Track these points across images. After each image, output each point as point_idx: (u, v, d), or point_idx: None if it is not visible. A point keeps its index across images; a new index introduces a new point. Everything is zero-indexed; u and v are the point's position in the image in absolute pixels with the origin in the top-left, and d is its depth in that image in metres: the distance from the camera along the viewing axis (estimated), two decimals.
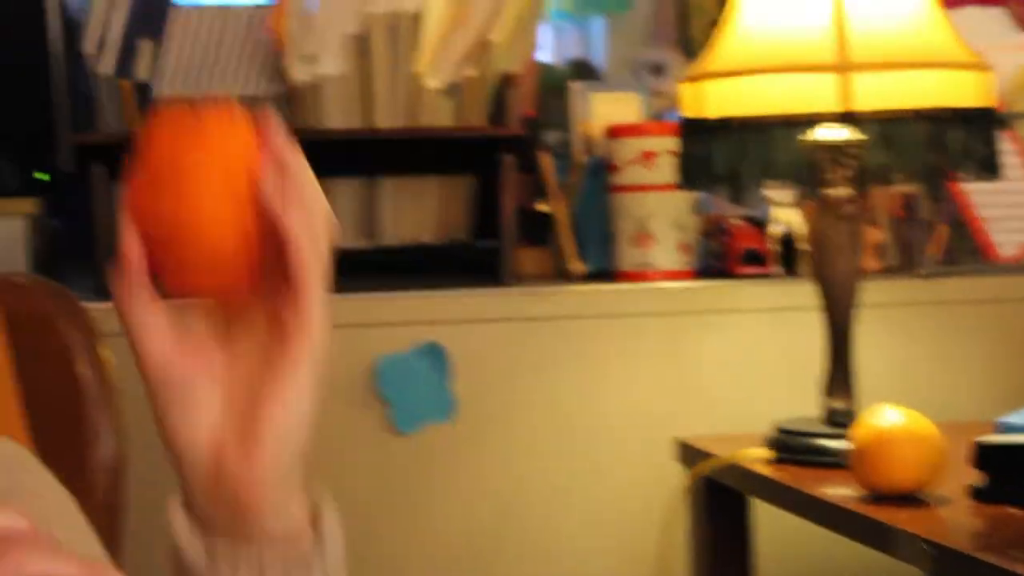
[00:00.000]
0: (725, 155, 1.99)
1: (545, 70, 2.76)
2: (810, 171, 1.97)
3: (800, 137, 1.96)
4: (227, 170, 0.81)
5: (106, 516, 1.31)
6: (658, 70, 2.79)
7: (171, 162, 0.80)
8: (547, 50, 2.98)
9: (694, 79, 2.04)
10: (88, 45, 2.38)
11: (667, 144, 2.38)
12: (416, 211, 2.52)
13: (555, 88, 2.69)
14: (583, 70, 2.86)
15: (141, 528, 1.41)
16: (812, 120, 1.95)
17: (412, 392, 2.32)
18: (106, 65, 2.36)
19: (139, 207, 0.81)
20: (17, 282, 1.48)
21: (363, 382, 2.32)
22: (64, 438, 1.31)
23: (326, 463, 2.31)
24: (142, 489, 1.48)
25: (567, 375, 2.38)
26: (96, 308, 1.49)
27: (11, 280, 1.48)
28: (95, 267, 2.36)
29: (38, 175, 2.57)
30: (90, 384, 1.40)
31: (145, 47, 2.41)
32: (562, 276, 2.54)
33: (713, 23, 2.23)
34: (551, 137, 2.65)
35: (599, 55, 2.99)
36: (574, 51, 3.03)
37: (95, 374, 1.40)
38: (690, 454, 2.18)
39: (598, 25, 3.01)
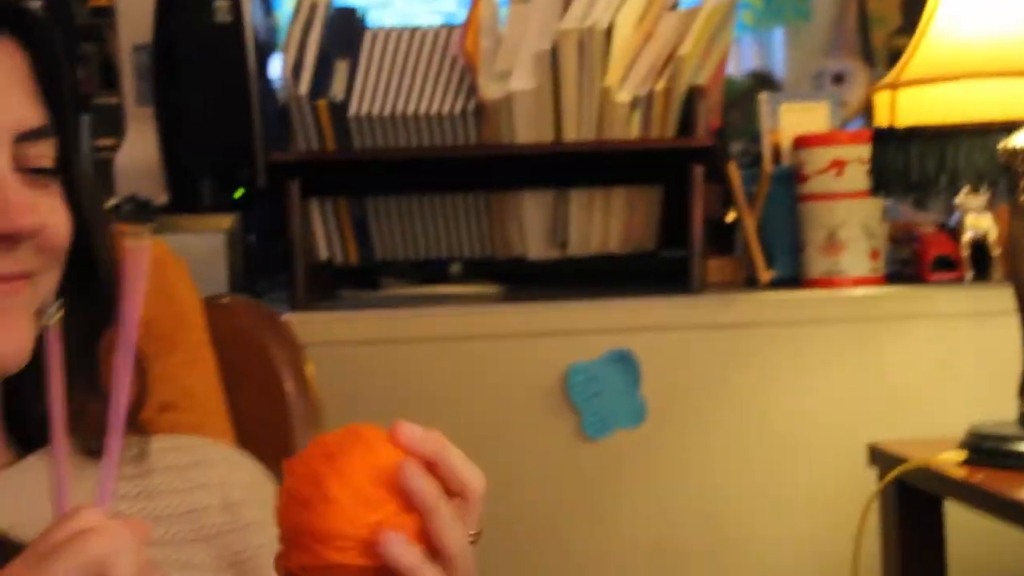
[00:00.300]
0: (919, 162, 2.00)
1: (727, 82, 2.77)
2: (1005, 176, 1.97)
3: (996, 143, 1.95)
4: (358, 490, 0.87)
5: None
6: (839, 79, 2.79)
7: (312, 481, 0.88)
8: (728, 62, 2.99)
9: (889, 87, 2.05)
10: (284, 67, 2.45)
11: (857, 152, 2.38)
12: (604, 222, 2.55)
13: (736, 99, 2.70)
14: (764, 81, 2.87)
15: None
16: (1007, 126, 1.94)
17: (602, 399, 2.35)
18: (302, 86, 2.43)
19: (285, 512, 0.89)
20: (223, 303, 1.54)
21: (554, 389, 2.35)
22: (271, 453, 1.35)
23: (518, 470, 2.35)
24: None
25: (756, 381, 2.39)
26: (293, 320, 1.54)
27: (218, 301, 1.54)
28: (289, 281, 2.43)
29: (235, 193, 2.65)
30: (295, 400, 1.45)
31: (340, 67, 2.48)
32: (750, 284, 2.55)
33: (895, 32, 2.23)
34: (734, 148, 2.66)
35: (779, 66, 2.99)
36: (754, 63, 3.04)
37: (300, 390, 1.46)
38: (883, 458, 2.17)
39: (778, 36, 3.01)
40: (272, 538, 1.14)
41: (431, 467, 0.89)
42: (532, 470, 2.35)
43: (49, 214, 1.03)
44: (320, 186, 2.50)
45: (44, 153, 1.04)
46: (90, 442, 1.11)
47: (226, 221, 2.52)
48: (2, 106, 1.02)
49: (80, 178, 1.08)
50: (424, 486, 0.88)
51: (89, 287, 1.09)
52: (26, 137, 1.03)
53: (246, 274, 2.57)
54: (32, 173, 1.03)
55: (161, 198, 2.64)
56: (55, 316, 0.89)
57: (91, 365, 1.10)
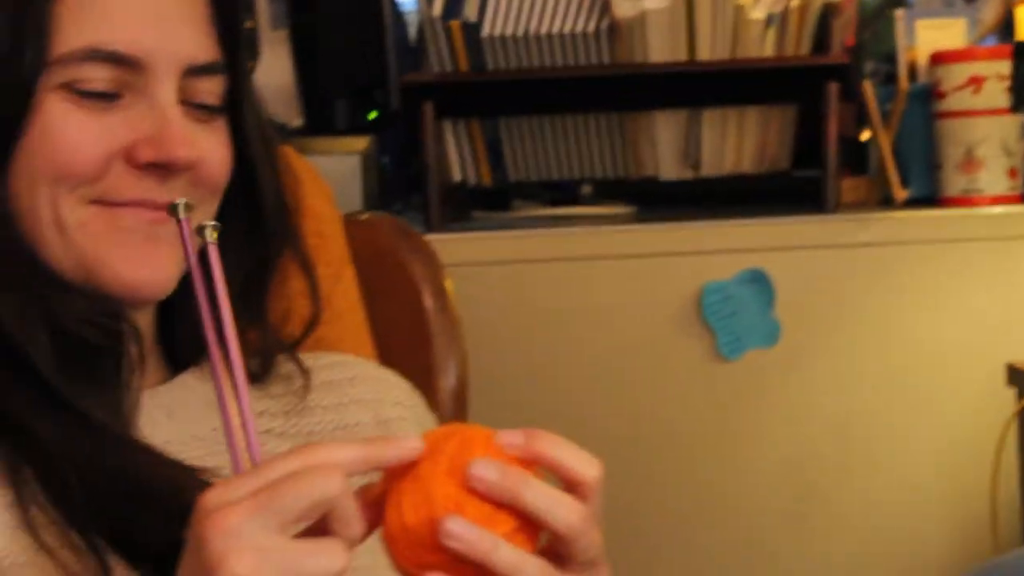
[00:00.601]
0: None
1: (860, 0, 2.73)
2: None
3: None
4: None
5: None
6: None
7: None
8: None
9: None
10: None
11: (996, 68, 2.35)
12: (737, 141, 2.53)
13: (869, 18, 2.66)
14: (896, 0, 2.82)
15: None
16: None
17: (737, 319, 2.35)
18: (435, 7, 2.43)
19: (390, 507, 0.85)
20: (363, 220, 1.55)
21: (688, 310, 2.35)
22: (412, 368, 1.37)
23: (651, 391, 2.36)
24: (481, 412, 1.55)
25: (892, 301, 2.37)
26: (431, 241, 1.55)
27: (357, 218, 1.55)
28: (423, 202, 2.45)
29: (369, 115, 2.67)
30: (435, 316, 1.46)
31: None
32: (885, 203, 2.53)
33: None
34: (867, 67, 2.63)
35: None
36: None
37: (440, 305, 1.47)
38: (1021, 378, 2.15)
39: None
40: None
41: (536, 466, 0.86)
42: (666, 391, 2.36)
43: (208, 150, 1.04)
44: (453, 107, 2.51)
45: (212, 90, 1.05)
46: (248, 365, 1.13)
47: (360, 143, 2.54)
48: (175, 37, 1.03)
49: (247, 118, 1.09)
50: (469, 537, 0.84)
51: (254, 224, 1.11)
52: (196, 71, 1.04)
53: (380, 196, 2.59)
54: (197, 108, 1.04)
55: (296, 121, 2.66)
56: (213, 234, 0.89)
57: (256, 298, 1.12)
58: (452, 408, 1.47)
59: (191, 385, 1.10)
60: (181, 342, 1.12)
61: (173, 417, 1.07)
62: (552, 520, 0.83)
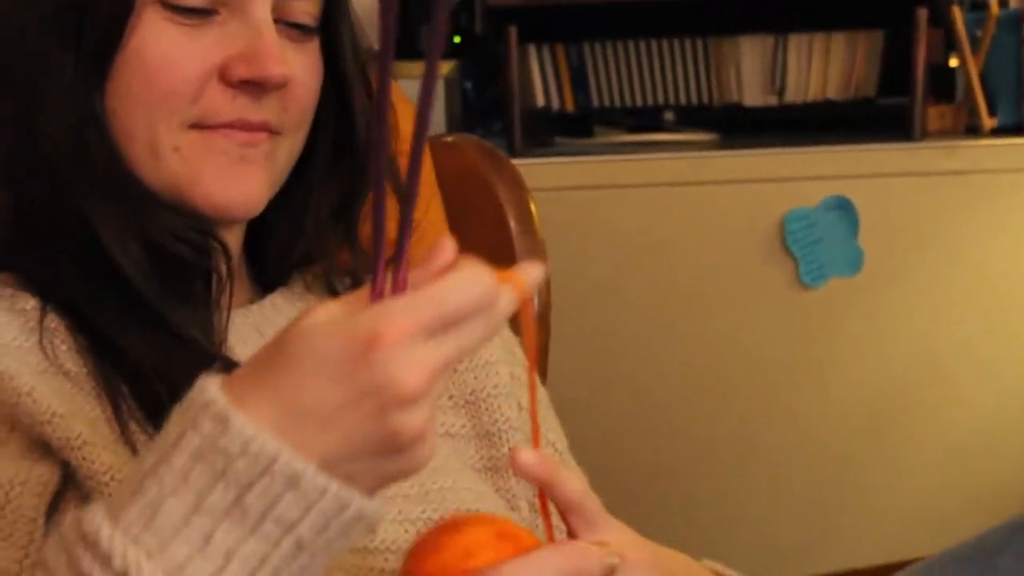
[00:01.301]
0: None
1: None
2: None
3: None
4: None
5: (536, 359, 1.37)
6: None
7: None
8: None
9: None
10: None
11: None
12: (823, 68, 2.51)
13: None
14: None
15: (562, 364, 1.49)
16: None
17: (820, 246, 2.34)
18: None
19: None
20: (449, 142, 1.55)
21: (771, 236, 2.34)
22: None
23: (733, 317, 2.35)
24: (563, 335, 1.55)
25: (977, 230, 2.35)
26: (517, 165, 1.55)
27: (443, 140, 1.55)
28: (506, 127, 2.45)
29: (453, 39, 2.67)
30: (520, 237, 1.46)
31: None
32: (972, 131, 2.50)
33: None
34: None
35: None
36: None
37: (524, 227, 1.47)
38: None
39: None
40: (507, 378, 1.16)
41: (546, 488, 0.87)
42: (747, 317, 2.35)
43: (300, 70, 1.04)
44: (537, 32, 2.50)
45: (307, 10, 1.05)
46: (338, 286, 1.14)
47: (444, 67, 2.54)
48: None
49: (343, 39, 1.09)
50: None
51: (348, 146, 1.11)
52: None
53: (462, 122, 2.59)
54: (292, 27, 1.04)
55: (376, 44, 2.66)
56: None
57: (349, 220, 1.12)
58: (535, 330, 1.47)
59: (279, 306, 1.11)
60: (270, 263, 1.13)
61: (263, 337, 1.08)
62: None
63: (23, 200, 1.02)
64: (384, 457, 0.73)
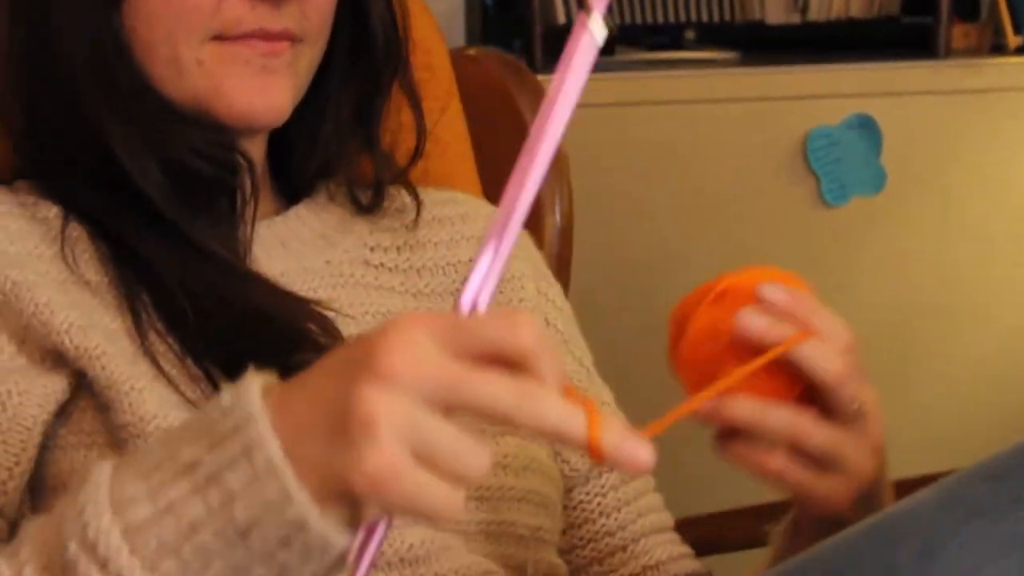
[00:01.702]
0: None
1: None
2: None
3: None
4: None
5: (557, 272, 1.37)
6: None
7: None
8: None
9: None
10: None
11: None
12: None
13: None
14: None
15: (584, 279, 1.49)
16: None
17: (842, 165, 2.33)
18: None
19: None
20: (470, 54, 1.54)
21: (793, 154, 2.33)
22: None
23: (754, 235, 2.34)
24: (585, 252, 1.55)
25: (1001, 150, 2.35)
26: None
27: (465, 52, 1.54)
28: (526, 44, 2.43)
29: None
30: None
31: None
32: (997, 50, 2.49)
33: None
34: None
35: None
36: None
37: None
38: None
39: None
40: (533, 292, 1.16)
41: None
42: (768, 236, 2.35)
43: None
44: None
45: None
46: (360, 196, 1.14)
47: None
48: None
49: None
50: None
51: (365, 54, 1.11)
52: None
53: (482, 37, 2.57)
54: None
55: None
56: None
57: (368, 126, 1.13)
58: (558, 245, 1.47)
59: (304, 216, 1.11)
60: (294, 174, 1.13)
61: (287, 248, 1.08)
62: (815, 365, 0.87)
63: (43, 120, 1.02)
64: (332, 440, 0.65)
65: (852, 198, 2.34)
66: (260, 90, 1.01)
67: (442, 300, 1.12)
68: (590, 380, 1.18)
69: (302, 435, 0.66)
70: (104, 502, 0.69)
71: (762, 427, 0.86)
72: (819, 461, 0.88)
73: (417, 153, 1.18)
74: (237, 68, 1.00)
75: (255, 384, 0.69)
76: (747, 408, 0.86)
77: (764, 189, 2.34)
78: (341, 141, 1.12)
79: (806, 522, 0.96)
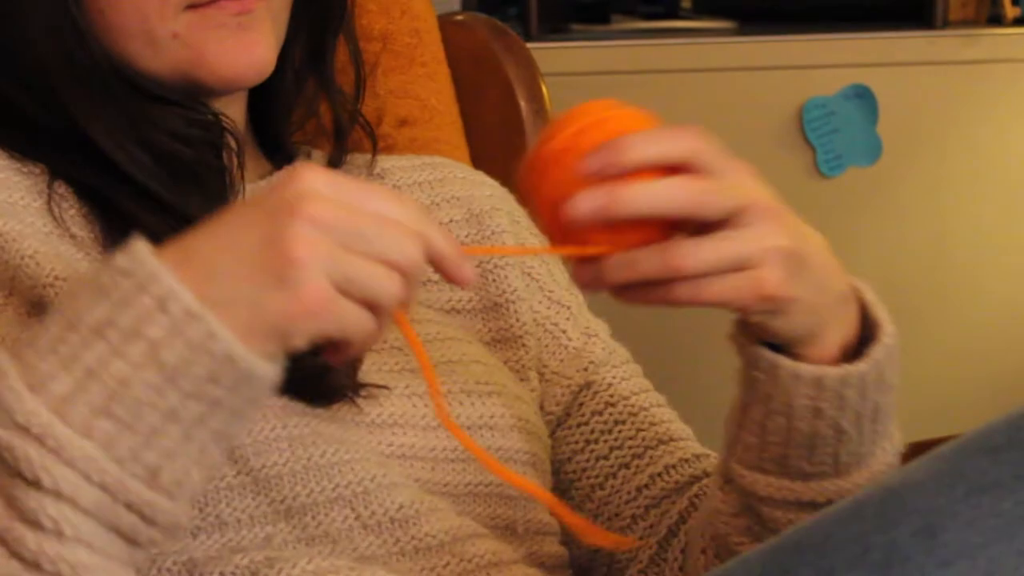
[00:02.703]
0: None
1: None
2: None
3: None
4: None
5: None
6: None
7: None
8: None
9: None
10: None
11: None
12: None
13: None
14: None
15: None
16: None
17: (839, 135, 2.32)
18: None
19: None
20: (459, 20, 1.53)
21: (789, 125, 2.32)
22: (507, 171, 1.36)
23: None
24: None
25: (998, 121, 2.33)
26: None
27: (453, 18, 1.53)
28: (522, 11, 2.42)
29: None
30: (530, 118, 1.44)
31: None
32: (994, 21, 2.47)
33: None
34: None
35: None
36: None
37: (535, 108, 1.45)
38: None
39: None
40: (508, 222, 1.15)
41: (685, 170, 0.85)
42: None
43: None
44: None
45: None
46: (330, 152, 1.14)
47: None
48: None
49: None
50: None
51: None
52: None
53: (478, 2, 2.55)
54: None
55: None
56: None
57: (322, 69, 1.13)
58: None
59: None
60: (271, 131, 1.13)
61: None
62: (655, 210, 0.84)
63: (20, 113, 1.01)
64: (257, 280, 0.74)
65: (848, 169, 2.33)
66: (242, 49, 1.00)
67: None
68: (582, 315, 1.16)
69: (216, 281, 0.74)
70: (19, 387, 0.73)
71: (640, 277, 0.84)
72: (730, 270, 0.85)
73: (359, 94, 1.16)
74: (214, 33, 1.00)
75: (145, 246, 0.74)
76: (616, 268, 0.84)
77: (760, 159, 2.29)
78: (300, 83, 1.12)
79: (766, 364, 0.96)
